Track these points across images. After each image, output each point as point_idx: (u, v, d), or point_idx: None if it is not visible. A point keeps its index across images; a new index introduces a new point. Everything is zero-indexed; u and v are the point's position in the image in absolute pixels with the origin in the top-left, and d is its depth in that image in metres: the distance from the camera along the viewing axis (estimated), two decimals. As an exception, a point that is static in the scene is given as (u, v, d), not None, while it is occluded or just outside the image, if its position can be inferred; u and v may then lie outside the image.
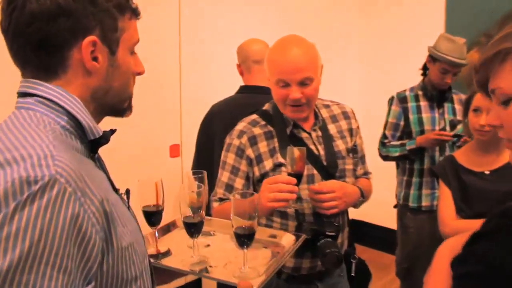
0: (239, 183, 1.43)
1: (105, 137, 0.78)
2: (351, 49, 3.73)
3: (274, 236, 1.21)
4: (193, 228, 1.05)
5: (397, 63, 3.47)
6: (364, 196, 1.49)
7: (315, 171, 1.42)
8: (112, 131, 0.81)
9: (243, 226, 1.00)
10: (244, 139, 1.43)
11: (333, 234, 1.35)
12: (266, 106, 1.50)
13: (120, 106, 0.83)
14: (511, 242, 0.73)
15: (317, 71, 1.37)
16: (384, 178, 2.85)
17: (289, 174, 1.28)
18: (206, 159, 1.93)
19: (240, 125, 1.47)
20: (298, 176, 1.27)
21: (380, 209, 2.92)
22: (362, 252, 3.88)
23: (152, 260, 1.00)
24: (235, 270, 1.03)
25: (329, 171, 1.43)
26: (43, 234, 0.57)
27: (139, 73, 0.84)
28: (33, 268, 0.57)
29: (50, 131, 0.67)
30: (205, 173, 1.20)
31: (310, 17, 3.30)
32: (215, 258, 1.10)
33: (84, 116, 0.73)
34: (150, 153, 2.49)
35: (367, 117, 3.05)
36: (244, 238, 1.00)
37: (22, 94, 0.73)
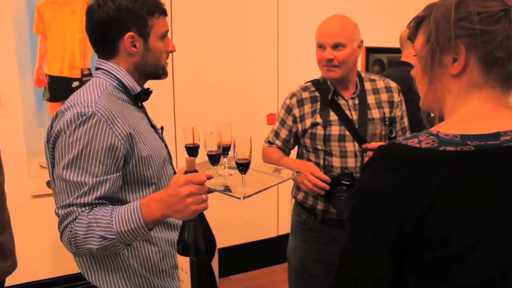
0: (283, 133, 1.85)
1: (142, 94, 1.27)
2: None
3: (279, 171, 1.57)
4: (213, 159, 1.50)
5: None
6: None
7: (347, 132, 1.72)
8: (149, 91, 1.30)
9: (242, 158, 1.40)
10: (294, 100, 1.82)
11: (348, 183, 1.64)
12: (320, 76, 1.84)
13: (156, 73, 1.29)
14: None
15: (350, 40, 1.67)
16: None
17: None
18: None
19: (295, 89, 1.87)
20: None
21: None
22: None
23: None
24: (239, 189, 1.44)
25: (359, 134, 1.71)
26: (89, 141, 1.09)
27: (171, 51, 1.31)
28: (85, 159, 1.09)
29: (103, 89, 1.18)
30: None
31: None
32: (230, 182, 1.51)
33: (128, 80, 1.24)
34: (250, 120, 2.96)
35: None
36: (242, 167, 1.40)
37: (96, 68, 1.27)
